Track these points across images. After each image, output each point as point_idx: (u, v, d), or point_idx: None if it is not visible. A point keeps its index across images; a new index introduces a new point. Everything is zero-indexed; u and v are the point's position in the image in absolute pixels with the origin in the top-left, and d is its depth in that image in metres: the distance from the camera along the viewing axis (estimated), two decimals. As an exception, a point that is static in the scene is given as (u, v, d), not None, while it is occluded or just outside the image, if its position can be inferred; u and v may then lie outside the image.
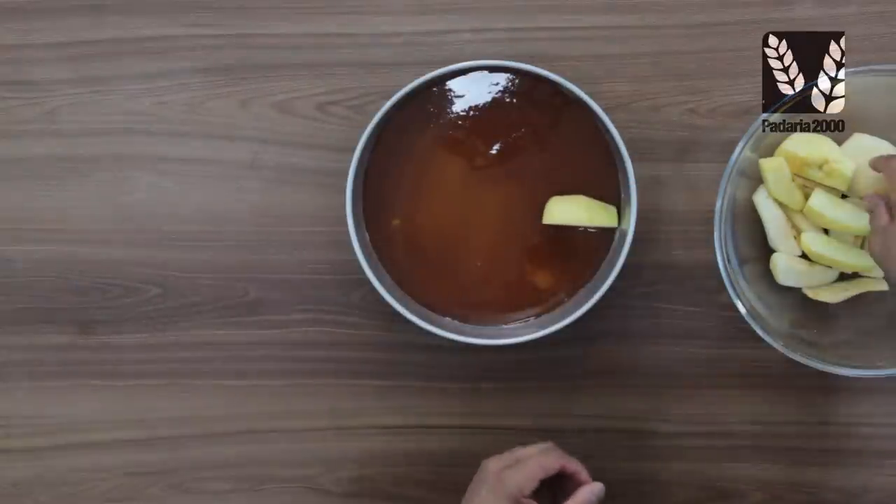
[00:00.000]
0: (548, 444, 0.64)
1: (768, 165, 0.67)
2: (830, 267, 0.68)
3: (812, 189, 0.68)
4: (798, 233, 0.68)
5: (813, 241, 0.67)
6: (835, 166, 0.66)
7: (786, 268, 0.68)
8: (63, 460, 0.77)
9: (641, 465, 0.75)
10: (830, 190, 0.68)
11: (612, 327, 0.74)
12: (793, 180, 0.68)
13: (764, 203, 0.68)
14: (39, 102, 0.76)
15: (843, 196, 0.68)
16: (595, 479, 0.74)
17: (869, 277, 0.69)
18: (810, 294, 0.68)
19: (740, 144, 0.64)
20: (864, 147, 0.67)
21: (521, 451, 0.63)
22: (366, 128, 0.67)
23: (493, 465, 0.62)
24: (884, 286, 0.68)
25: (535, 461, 0.61)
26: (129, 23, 0.75)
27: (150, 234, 0.75)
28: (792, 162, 0.67)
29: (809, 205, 0.66)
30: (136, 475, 0.77)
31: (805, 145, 0.66)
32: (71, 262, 0.76)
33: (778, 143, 0.68)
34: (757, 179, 0.69)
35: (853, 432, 0.74)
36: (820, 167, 0.66)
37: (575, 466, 0.63)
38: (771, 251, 0.69)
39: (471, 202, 0.70)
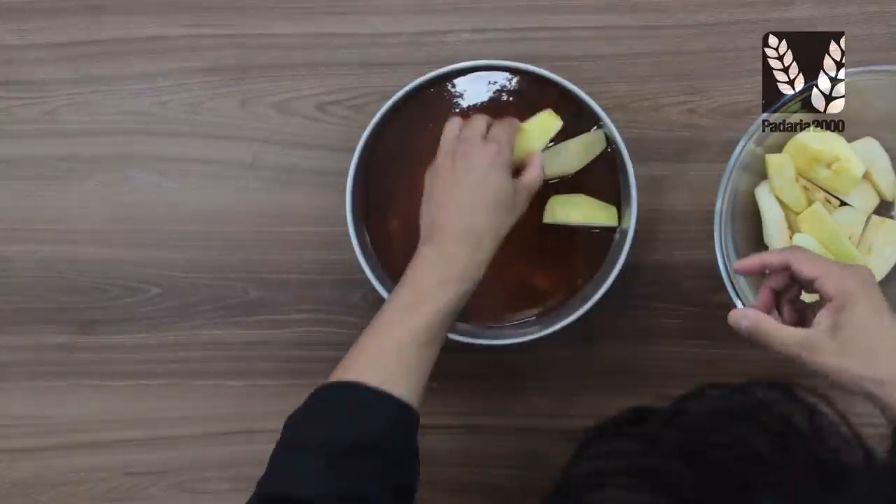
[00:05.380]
0: (477, 119, 0.63)
1: (774, 161, 0.67)
2: None
3: (814, 192, 0.68)
4: (794, 233, 0.68)
5: (801, 245, 0.66)
6: (845, 165, 0.66)
7: None
8: (63, 460, 0.77)
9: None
10: (828, 200, 0.68)
11: (612, 327, 0.74)
12: (797, 180, 0.67)
13: (765, 197, 0.68)
14: (39, 102, 0.76)
15: (843, 203, 0.68)
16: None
17: None
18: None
19: (740, 145, 0.64)
20: (872, 152, 0.67)
21: (475, 132, 0.62)
22: (366, 128, 0.67)
23: (473, 149, 0.61)
24: None
25: (505, 130, 0.62)
26: (129, 23, 0.75)
27: (150, 234, 0.75)
28: (802, 155, 0.67)
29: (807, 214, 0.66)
30: (136, 475, 0.77)
31: (819, 140, 0.66)
32: (71, 262, 0.76)
33: (784, 141, 0.68)
34: (759, 174, 0.69)
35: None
36: (829, 165, 0.66)
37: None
38: (767, 248, 0.69)
39: (471, 202, 0.70)
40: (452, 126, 0.64)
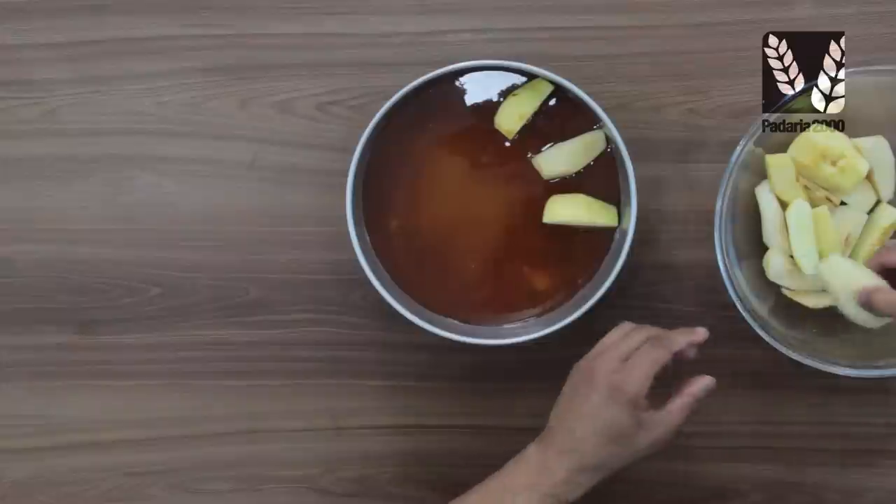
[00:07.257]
0: (642, 332, 0.61)
1: (774, 161, 0.67)
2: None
3: (814, 192, 0.68)
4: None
5: (797, 239, 0.67)
6: (851, 161, 0.66)
7: (778, 266, 0.67)
8: (63, 460, 0.77)
9: (641, 465, 0.74)
10: (829, 199, 0.68)
11: (612, 327, 0.74)
12: (797, 180, 0.68)
13: (765, 197, 0.68)
14: (39, 102, 0.76)
15: (842, 203, 0.68)
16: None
17: None
18: (788, 295, 0.68)
19: (741, 145, 0.64)
20: (881, 151, 0.67)
21: (622, 348, 0.60)
22: (366, 128, 0.67)
23: (601, 367, 0.59)
24: None
25: (647, 359, 0.59)
26: (129, 23, 0.75)
27: (150, 234, 0.75)
28: (810, 151, 0.66)
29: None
30: (136, 475, 0.77)
31: (826, 136, 0.66)
32: (71, 262, 0.76)
33: (784, 141, 0.68)
34: (759, 174, 0.69)
35: (853, 432, 0.74)
36: (834, 162, 0.66)
37: (681, 346, 0.60)
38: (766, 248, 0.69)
39: (471, 202, 0.70)
40: (617, 332, 0.62)
